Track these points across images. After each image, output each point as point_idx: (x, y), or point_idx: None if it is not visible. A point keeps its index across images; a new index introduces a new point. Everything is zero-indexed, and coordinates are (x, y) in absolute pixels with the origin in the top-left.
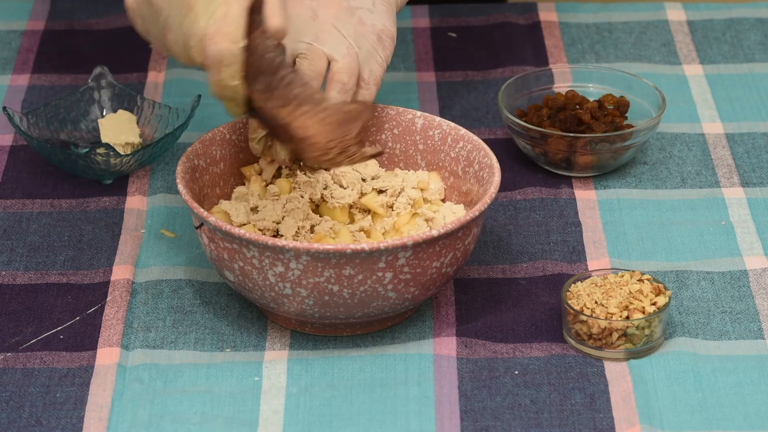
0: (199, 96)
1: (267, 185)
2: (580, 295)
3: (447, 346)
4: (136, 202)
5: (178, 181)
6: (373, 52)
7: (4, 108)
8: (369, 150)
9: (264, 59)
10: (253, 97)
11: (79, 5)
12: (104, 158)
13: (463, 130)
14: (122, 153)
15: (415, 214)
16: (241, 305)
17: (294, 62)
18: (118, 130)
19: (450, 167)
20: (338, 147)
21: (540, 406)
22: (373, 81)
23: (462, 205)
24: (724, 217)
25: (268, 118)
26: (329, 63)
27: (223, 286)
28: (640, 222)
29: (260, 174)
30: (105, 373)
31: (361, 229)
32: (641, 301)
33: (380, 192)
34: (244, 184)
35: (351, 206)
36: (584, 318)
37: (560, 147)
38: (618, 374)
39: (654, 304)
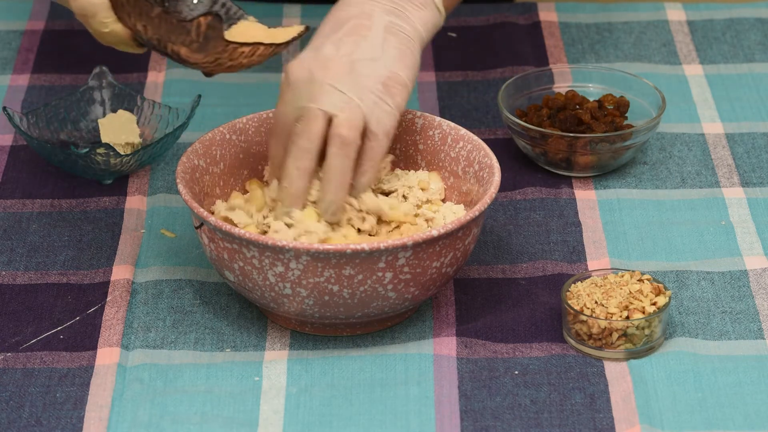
0: (199, 96)
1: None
2: (580, 295)
3: (447, 346)
4: (136, 202)
5: (178, 181)
6: (378, 102)
7: (4, 108)
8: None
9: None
10: (135, 35)
11: None
12: (104, 158)
13: (463, 130)
14: (122, 153)
15: (415, 215)
16: (241, 305)
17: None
18: (118, 130)
19: (450, 167)
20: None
21: (540, 406)
22: (382, 131)
23: (462, 205)
24: (724, 217)
25: (160, 51)
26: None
27: (223, 286)
28: (640, 222)
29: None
30: (105, 373)
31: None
32: (641, 301)
33: (387, 194)
34: (244, 184)
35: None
36: (584, 318)
37: (560, 147)
38: (618, 374)
39: (654, 304)
